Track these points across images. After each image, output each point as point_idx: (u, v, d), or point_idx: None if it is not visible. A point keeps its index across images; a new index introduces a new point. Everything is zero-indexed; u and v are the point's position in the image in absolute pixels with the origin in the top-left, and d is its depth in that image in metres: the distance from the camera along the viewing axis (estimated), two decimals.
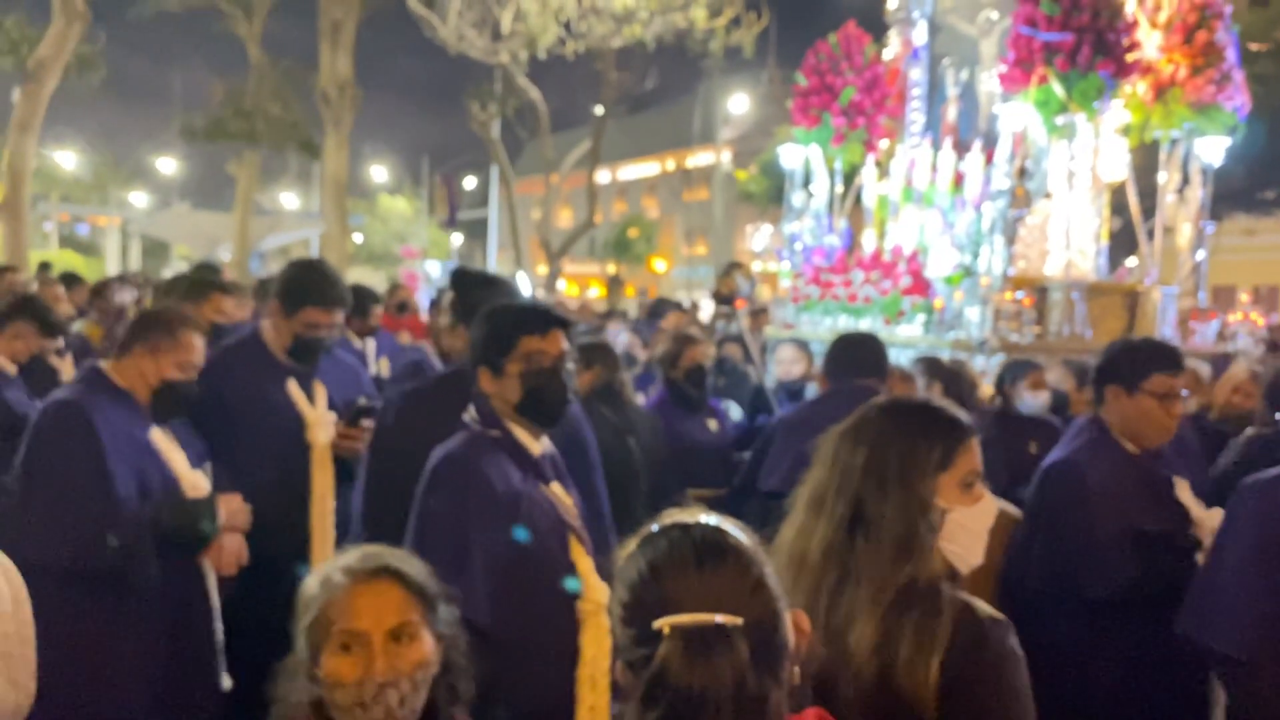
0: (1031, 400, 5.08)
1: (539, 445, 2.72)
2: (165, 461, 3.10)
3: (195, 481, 3.14)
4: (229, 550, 3.11)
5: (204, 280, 4.92)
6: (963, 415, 1.89)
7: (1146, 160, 8.94)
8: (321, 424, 3.56)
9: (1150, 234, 8.70)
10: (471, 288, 3.38)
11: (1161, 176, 8.64)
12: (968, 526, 1.82)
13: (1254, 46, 9.02)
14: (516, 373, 2.64)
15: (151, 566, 2.90)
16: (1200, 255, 8.71)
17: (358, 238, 37.85)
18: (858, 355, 4.34)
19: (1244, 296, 12.12)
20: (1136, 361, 3.13)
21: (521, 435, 2.68)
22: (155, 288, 5.63)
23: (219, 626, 3.16)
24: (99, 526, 2.83)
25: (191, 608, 3.08)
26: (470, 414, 2.70)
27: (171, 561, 2.97)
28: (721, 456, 5.07)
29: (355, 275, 22.62)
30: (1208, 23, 7.96)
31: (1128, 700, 2.82)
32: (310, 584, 1.71)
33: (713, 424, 5.18)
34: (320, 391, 3.65)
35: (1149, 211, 8.75)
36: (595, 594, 2.62)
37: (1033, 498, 3.17)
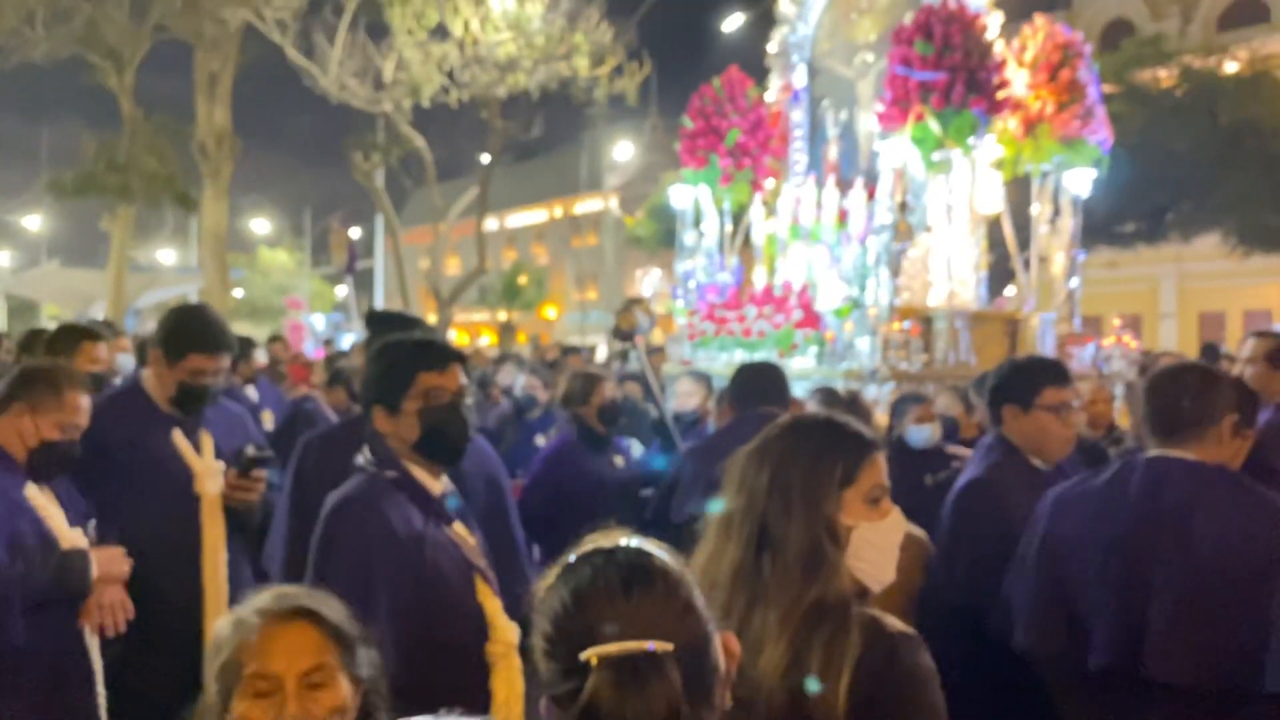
0: (918, 432, 5.18)
1: (439, 484, 2.65)
2: (41, 520, 2.91)
3: (74, 540, 2.96)
4: (108, 604, 2.93)
5: (69, 329, 4.67)
6: (866, 430, 1.89)
7: (1020, 193, 9.30)
8: (210, 474, 3.41)
9: (1026, 263, 9.04)
10: (387, 328, 3.29)
11: (1035, 208, 8.99)
12: (876, 543, 1.81)
13: (1107, 88, 9.50)
14: (414, 410, 2.56)
15: (14, 628, 2.72)
16: (1074, 283, 9.07)
17: (239, 292, 36.86)
18: (761, 383, 4.39)
19: (1116, 321, 12.67)
20: (1027, 379, 3.22)
21: (420, 475, 2.60)
22: (19, 344, 5.32)
23: (100, 690, 2.97)
24: None
25: (68, 670, 2.89)
26: (365, 455, 2.61)
27: (45, 622, 2.79)
28: (629, 493, 5.04)
29: (238, 329, 21.92)
30: (1070, 61, 8.36)
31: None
32: (222, 625, 1.64)
33: (619, 460, 5.15)
34: (207, 441, 3.49)
35: (1024, 242, 9.10)
36: (504, 635, 2.54)
37: (950, 517, 3.21)
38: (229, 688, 1.58)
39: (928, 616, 3.07)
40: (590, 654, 1.18)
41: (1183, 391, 2.68)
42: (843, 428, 1.87)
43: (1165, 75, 17.76)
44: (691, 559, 1.81)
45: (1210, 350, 11.83)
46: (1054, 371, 3.27)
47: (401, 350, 2.65)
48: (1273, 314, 25.29)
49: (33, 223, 41.96)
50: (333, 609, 1.68)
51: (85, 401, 3.06)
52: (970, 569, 3.07)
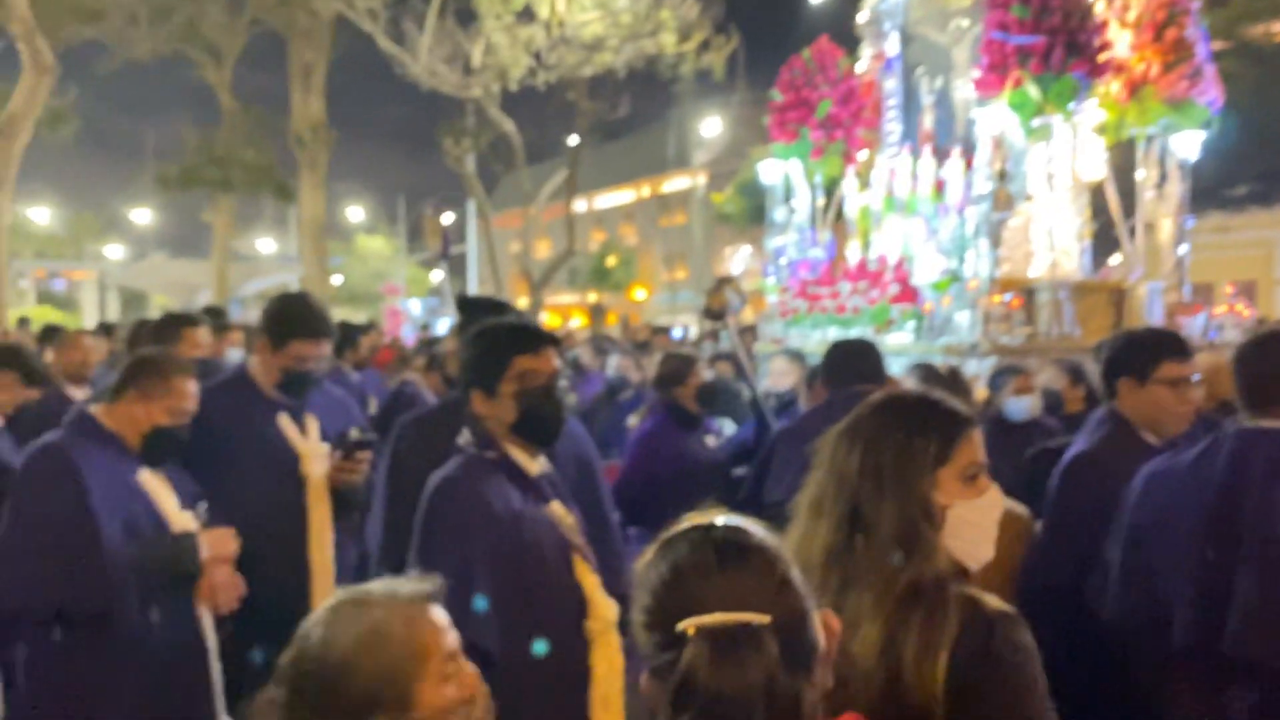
0: (1016, 405, 5.07)
1: (536, 465, 2.68)
2: (154, 503, 3.03)
3: (185, 522, 3.07)
4: (222, 585, 3.03)
5: (171, 318, 4.83)
6: (961, 406, 1.84)
7: (1124, 158, 8.97)
8: (315, 457, 3.49)
9: (1132, 231, 8.73)
10: (478, 313, 3.33)
11: (1140, 173, 8.68)
12: (973, 521, 1.76)
13: (1216, 45, 9.10)
14: (511, 393, 2.60)
15: (130, 609, 2.83)
16: (1182, 250, 8.74)
17: (337, 279, 37.79)
18: (855, 361, 4.31)
19: (1228, 289, 12.16)
20: (1145, 351, 3.11)
21: (518, 456, 2.63)
22: (127, 337, 5.53)
23: (216, 666, 3.08)
24: (83, 568, 2.77)
25: (185, 649, 3.00)
26: (465, 437, 2.65)
27: (161, 603, 2.90)
28: (722, 473, 5.02)
29: (337, 315, 22.50)
30: (1176, 19, 8.02)
31: (1161, 699, 2.77)
32: (383, 620, 1.54)
33: (710, 440, 5.14)
34: (312, 425, 3.57)
35: (1129, 209, 8.78)
36: (603, 612, 2.56)
37: (1056, 492, 3.13)
38: (406, 681, 1.48)
39: (1030, 594, 3.01)
40: (687, 624, 1.20)
41: (1270, 360, 2.55)
42: (936, 405, 1.83)
43: (1276, 29, 16.94)
44: (783, 541, 1.81)
45: None
46: (1174, 345, 3.15)
47: (497, 335, 2.69)
48: None
49: (141, 216, 43.61)
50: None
51: (193, 387, 3.16)
52: (1074, 545, 2.99)
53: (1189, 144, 8.45)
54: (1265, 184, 17.74)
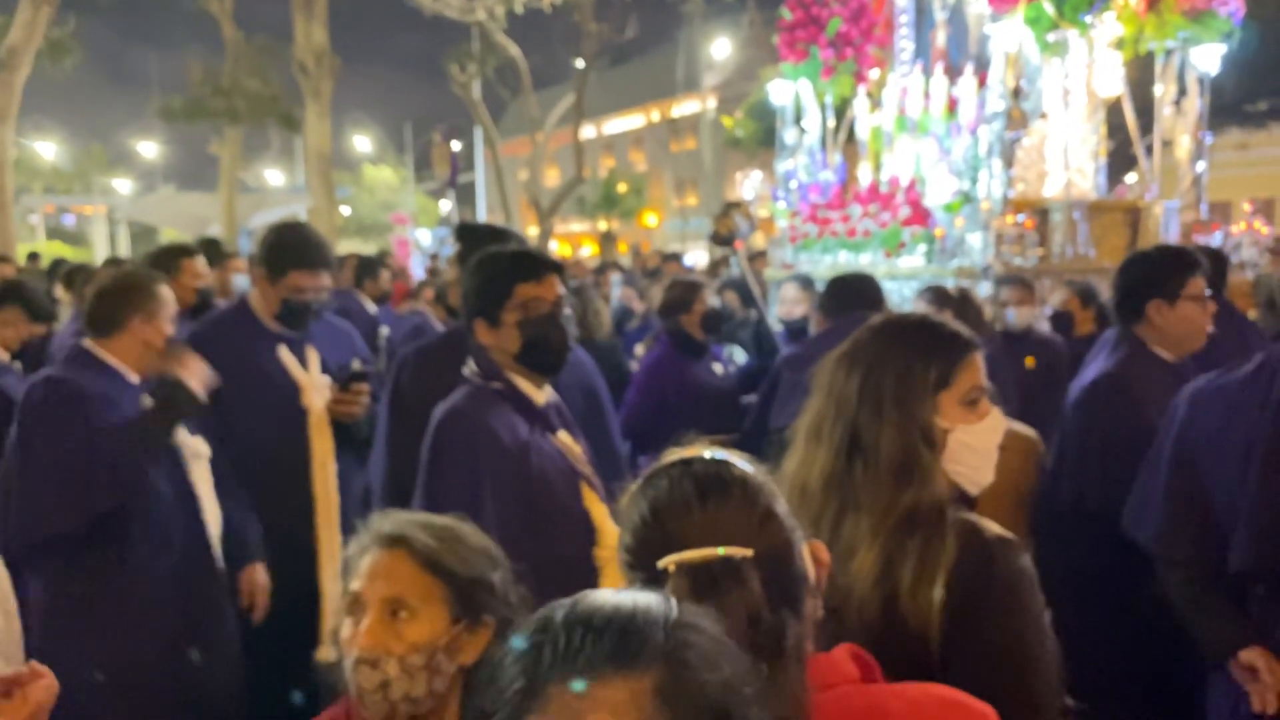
0: (1014, 315, 5.08)
1: (543, 394, 2.66)
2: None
3: (195, 447, 3.08)
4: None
5: (168, 250, 4.80)
6: (963, 330, 1.80)
7: (1141, 73, 8.77)
8: (316, 389, 3.48)
9: (1149, 149, 8.56)
10: (478, 240, 3.29)
11: (1158, 89, 8.48)
12: (974, 445, 1.74)
13: None
14: (514, 322, 2.57)
15: (148, 517, 2.87)
16: (1200, 167, 8.58)
17: (345, 210, 37.61)
18: (855, 290, 4.30)
19: (1246, 207, 11.97)
20: (1172, 271, 3.13)
21: (524, 385, 2.61)
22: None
23: (220, 566, 3.16)
24: (99, 483, 2.79)
25: (192, 552, 3.06)
26: (470, 367, 2.63)
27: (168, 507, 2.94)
28: (730, 400, 5.01)
29: (346, 247, 22.46)
30: None
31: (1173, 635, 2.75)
32: (355, 542, 1.67)
33: (717, 368, 5.11)
34: (313, 356, 3.56)
35: (1146, 126, 8.61)
36: (612, 539, 2.55)
37: (1079, 414, 3.11)
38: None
39: (1053, 517, 2.98)
40: (667, 561, 1.18)
41: None
42: (937, 328, 1.79)
43: None
44: (782, 466, 1.79)
45: None
46: (1192, 260, 3.17)
47: (498, 262, 2.65)
48: None
49: (148, 149, 43.31)
50: (448, 544, 1.64)
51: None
52: (1104, 468, 2.97)
53: (1209, 58, 8.24)
54: None
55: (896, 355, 1.74)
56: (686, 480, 1.25)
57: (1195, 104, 8.44)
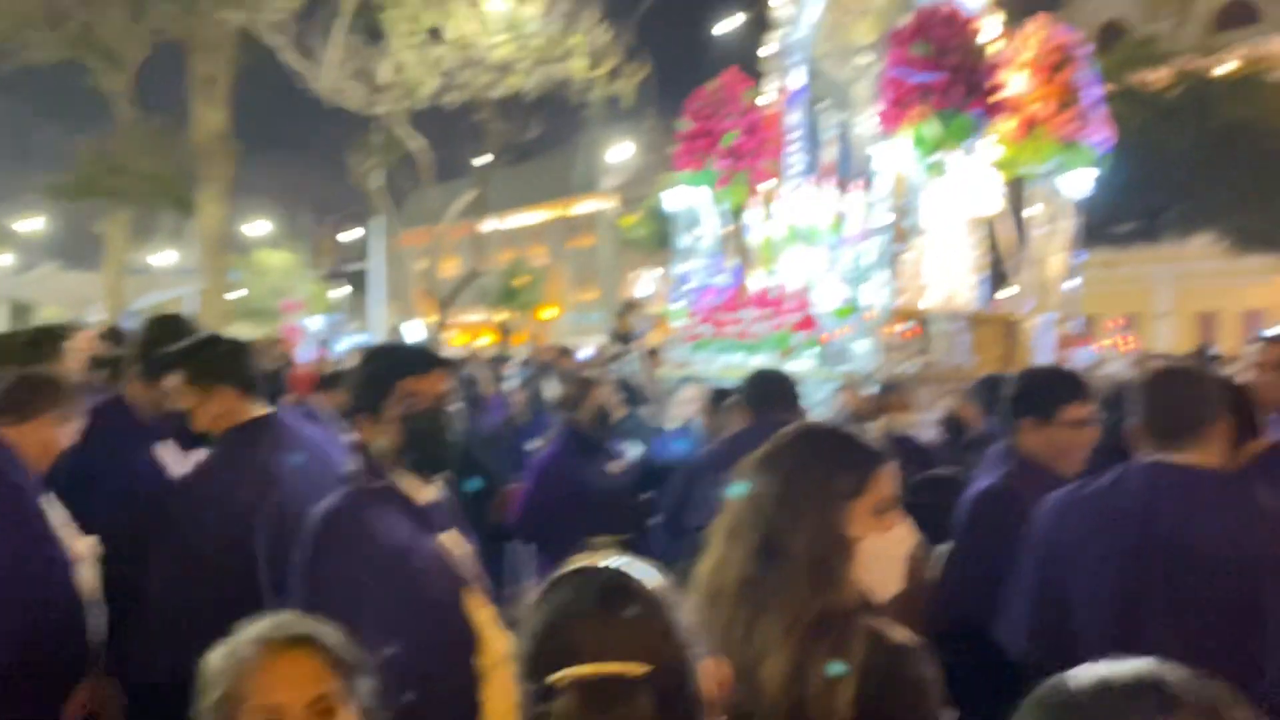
0: (895, 421, 5.26)
1: (427, 493, 2.58)
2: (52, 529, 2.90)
3: (81, 550, 2.95)
4: None
5: (45, 332, 4.60)
6: (875, 442, 1.87)
7: (1018, 195, 9.27)
8: None
9: (1024, 265, 9.00)
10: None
11: (1032, 209, 8.96)
12: (883, 554, 1.79)
13: (1106, 88, 9.50)
14: (395, 417, 2.50)
15: None
16: (1072, 283, 9.04)
17: (237, 294, 36.78)
18: (776, 390, 4.37)
19: (1113, 323, 12.63)
20: (1048, 393, 3.18)
21: (408, 484, 2.54)
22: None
23: None
24: None
25: None
26: (352, 465, 2.57)
27: None
28: (625, 501, 4.98)
29: (235, 331, 21.88)
30: (1069, 62, 8.32)
31: None
32: (214, 658, 1.56)
33: (614, 467, 5.09)
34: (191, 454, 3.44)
35: (1022, 243, 9.07)
36: (495, 647, 2.50)
37: (965, 526, 3.17)
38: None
39: (943, 625, 3.03)
40: (559, 676, 1.17)
41: (1178, 393, 2.64)
42: (852, 439, 1.87)
43: (1160, 76, 17.75)
44: (697, 567, 1.81)
45: (1202, 351, 11.78)
46: (1074, 387, 3.22)
47: (383, 356, 2.62)
48: (1267, 314, 25.27)
49: (31, 226, 41.89)
50: (333, 635, 1.61)
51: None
52: (984, 578, 3.04)
53: (1079, 182, 8.76)
54: (1147, 222, 18.52)
55: (814, 462, 1.79)
56: (589, 589, 1.24)
57: (1067, 225, 8.94)
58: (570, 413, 4.98)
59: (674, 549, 4.06)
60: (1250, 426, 2.98)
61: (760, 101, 9.53)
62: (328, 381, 6.81)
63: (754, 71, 9.73)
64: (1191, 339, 25.25)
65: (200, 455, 3.10)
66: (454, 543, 2.61)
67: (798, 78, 9.49)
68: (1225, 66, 17.96)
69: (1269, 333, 4.03)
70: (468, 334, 39.49)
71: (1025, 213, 9.06)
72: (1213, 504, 2.49)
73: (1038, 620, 2.70)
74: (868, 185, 8.17)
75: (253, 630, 1.59)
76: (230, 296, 26.61)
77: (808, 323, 7.80)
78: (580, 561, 1.31)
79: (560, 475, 4.88)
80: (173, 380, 3.05)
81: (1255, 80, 17.32)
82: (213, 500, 2.86)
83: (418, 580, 2.41)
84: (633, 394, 6.88)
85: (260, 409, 3.08)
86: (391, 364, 2.58)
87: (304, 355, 13.22)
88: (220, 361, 3.06)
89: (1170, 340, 26.53)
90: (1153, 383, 2.74)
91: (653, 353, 9.84)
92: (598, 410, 4.96)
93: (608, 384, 5.39)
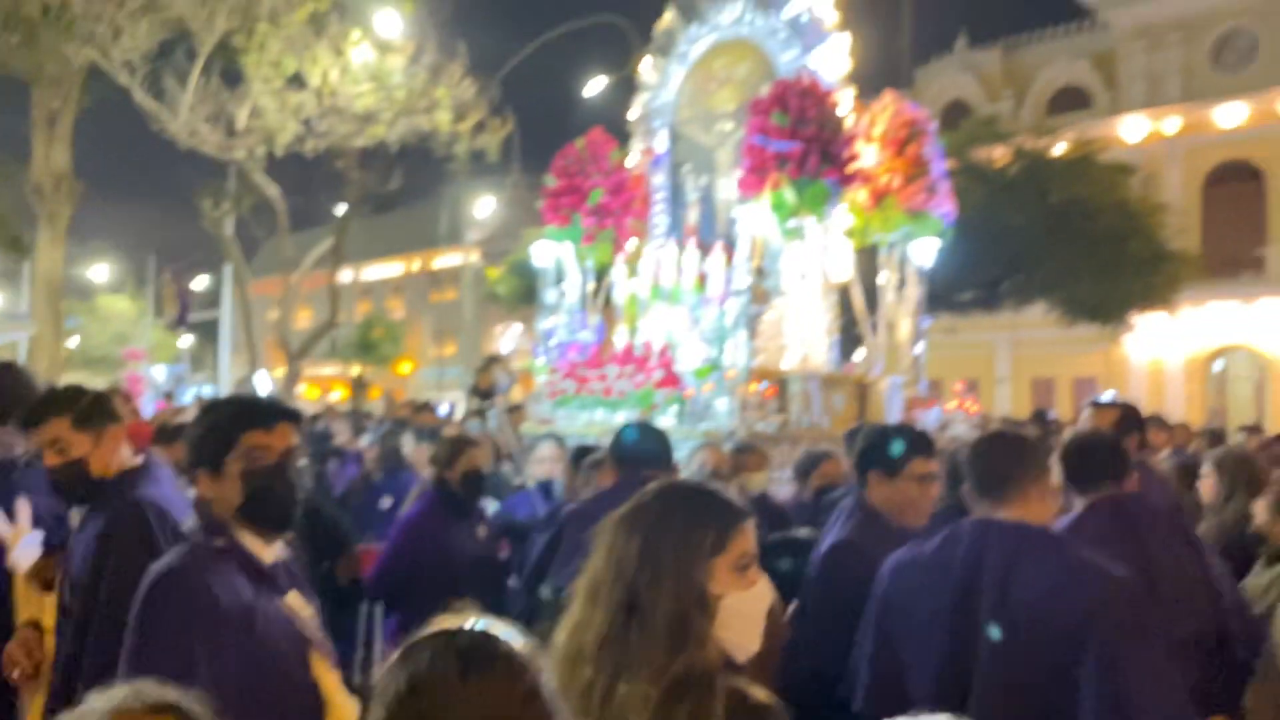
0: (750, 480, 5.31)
1: (271, 552, 2.45)
2: None
3: None
4: None
5: None
6: (735, 499, 1.87)
7: (868, 261, 9.63)
8: (23, 545, 3.13)
9: (874, 329, 9.32)
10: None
11: (882, 276, 9.31)
12: (743, 612, 1.79)
13: (950, 164, 10.02)
14: (237, 472, 2.37)
15: None
16: (919, 348, 9.40)
17: (74, 341, 34.95)
18: (645, 446, 4.31)
19: (957, 386, 13.19)
20: (896, 447, 3.31)
21: (250, 543, 2.40)
22: None
23: None
24: None
25: None
26: (191, 522, 2.43)
27: None
28: (491, 565, 4.86)
29: (72, 379, 20.72)
30: (916, 137, 8.74)
31: None
32: None
33: (481, 530, 4.96)
34: (23, 509, 3.21)
35: (872, 308, 9.40)
36: (341, 713, 2.39)
37: (815, 580, 3.23)
38: None
39: (795, 680, 3.05)
40: None
41: (998, 455, 2.78)
42: (714, 495, 1.86)
43: (1000, 154, 18.79)
44: (557, 628, 1.78)
45: (1040, 415, 12.42)
46: (923, 443, 3.37)
47: (224, 409, 2.49)
48: (1098, 381, 26.83)
49: None
50: (192, 702, 1.50)
51: None
52: (833, 632, 3.08)
53: (925, 251, 9.16)
54: (987, 291, 19.49)
55: (675, 519, 1.78)
56: (449, 653, 1.20)
57: (914, 291, 9.32)
58: (442, 471, 4.84)
59: (533, 610, 3.99)
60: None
61: (627, 163, 9.68)
62: (167, 434, 6.50)
63: (620, 132, 9.90)
64: (1029, 403, 26.60)
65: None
66: (297, 604, 2.49)
67: (662, 141, 9.69)
68: (1060, 147, 19.12)
69: (1101, 398, 4.28)
70: (319, 387, 38.45)
71: (876, 279, 9.40)
72: (1033, 558, 2.61)
73: (875, 677, 2.78)
74: (730, 247, 8.36)
75: (104, 700, 1.44)
76: (67, 344, 25.29)
77: (670, 380, 7.88)
78: (440, 623, 1.27)
79: (426, 536, 4.72)
80: (55, 427, 2.89)
81: (1086, 160, 18.52)
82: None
83: (261, 643, 2.29)
84: (494, 450, 6.78)
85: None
86: (234, 416, 2.44)
87: (147, 406, 12.60)
88: (103, 404, 2.92)
89: (1009, 404, 27.87)
90: (977, 446, 2.90)
91: (516, 408, 9.77)
92: (470, 471, 4.82)
93: (485, 445, 5.24)
